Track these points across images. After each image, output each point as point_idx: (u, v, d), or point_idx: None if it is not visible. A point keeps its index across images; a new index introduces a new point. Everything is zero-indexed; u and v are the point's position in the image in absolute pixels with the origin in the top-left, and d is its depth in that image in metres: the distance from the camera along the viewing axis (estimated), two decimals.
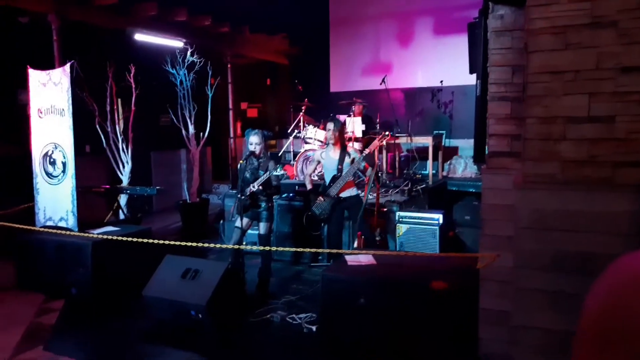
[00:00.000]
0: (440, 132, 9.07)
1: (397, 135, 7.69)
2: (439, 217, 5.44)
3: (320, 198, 5.07)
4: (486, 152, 3.18)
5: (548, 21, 2.25)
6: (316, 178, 7.06)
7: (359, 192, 5.20)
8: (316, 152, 5.51)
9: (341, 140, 5.16)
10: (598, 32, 2.17)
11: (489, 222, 2.92)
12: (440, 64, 9.48)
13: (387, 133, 5.33)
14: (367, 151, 5.02)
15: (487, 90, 3.08)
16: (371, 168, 4.99)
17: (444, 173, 8.27)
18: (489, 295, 2.89)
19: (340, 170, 5.01)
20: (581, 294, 0.79)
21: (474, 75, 3.62)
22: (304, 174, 7.26)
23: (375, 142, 5.18)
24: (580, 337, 0.73)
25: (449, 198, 7.30)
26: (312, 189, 5.25)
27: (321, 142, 7.39)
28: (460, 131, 9.18)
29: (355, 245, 5.32)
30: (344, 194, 5.04)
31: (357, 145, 6.98)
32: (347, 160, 5.04)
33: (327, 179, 5.16)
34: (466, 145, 8.74)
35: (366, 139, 7.49)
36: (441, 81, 9.34)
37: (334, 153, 5.12)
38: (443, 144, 8.67)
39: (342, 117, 8.38)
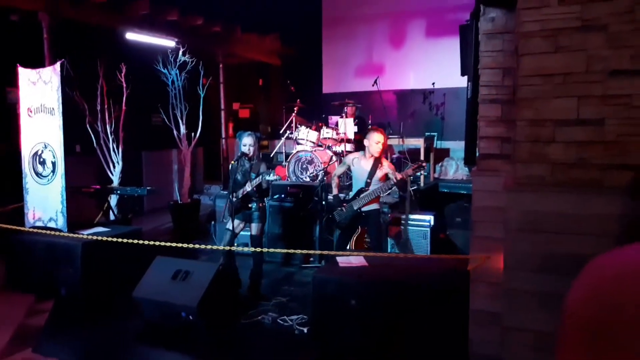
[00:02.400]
0: (432, 133, 9.11)
1: (388, 136, 7.70)
2: (430, 218, 5.46)
3: (343, 207, 4.84)
4: (477, 154, 3.19)
5: (538, 24, 2.26)
6: (309, 179, 7.06)
7: (380, 207, 4.93)
8: (349, 155, 5.15)
9: (381, 153, 4.85)
10: (588, 36, 2.19)
11: (480, 224, 2.93)
12: (432, 66, 9.52)
13: (423, 164, 4.83)
14: (399, 177, 4.66)
15: (478, 92, 3.10)
16: (401, 192, 4.78)
17: (436, 175, 8.31)
18: (480, 297, 2.91)
19: (368, 184, 4.72)
20: None
21: (466, 77, 3.63)
22: (295, 175, 7.26)
23: (409, 171, 4.79)
24: (565, 337, 0.74)
25: (440, 200, 7.32)
26: (336, 196, 4.98)
27: (313, 143, 7.39)
28: (451, 133, 9.22)
29: (348, 246, 5.32)
30: (365, 209, 4.78)
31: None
32: (379, 174, 4.73)
33: (354, 188, 4.89)
34: (458, 147, 8.79)
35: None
36: (433, 83, 9.38)
37: (366, 163, 4.77)
38: (435, 145, 8.70)
39: (334, 119, 8.41)
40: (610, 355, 0.67)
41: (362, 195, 4.74)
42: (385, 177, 4.77)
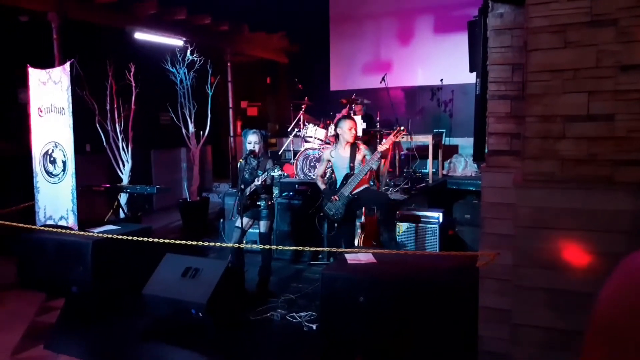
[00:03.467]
0: (440, 130, 9.07)
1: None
2: (439, 215, 5.45)
3: (334, 198, 4.91)
4: (486, 150, 3.18)
5: (547, 19, 2.25)
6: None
7: (372, 184, 5.13)
8: (325, 151, 5.32)
9: (355, 137, 5.03)
10: (597, 31, 2.17)
11: (489, 221, 2.92)
12: (440, 62, 9.48)
13: (402, 128, 5.04)
14: (381, 148, 4.81)
15: (486, 88, 3.08)
16: (383, 164, 4.95)
17: (444, 172, 8.27)
18: (489, 294, 2.90)
19: (352, 168, 4.86)
20: (581, 292, 0.79)
21: (474, 73, 3.61)
22: (303, 172, 7.27)
23: (391, 138, 4.94)
24: (591, 336, 0.73)
25: (449, 197, 7.30)
26: (325, 189, 5.11)
27: (321, 140, 7.39)
28: (460, 130, 9.18)
29: (356, 242, 5.32)
30: (357, 191, 4.89)
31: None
32: (359, 157, 4.88)
33: (339, 178, 5.01)
34: (466, 144, 8.75)
35: (369, 134, 7.50)
36: (441, 80, 9.34)
37: (344, 151, 4.94)
38: (443, 142, 8.67)
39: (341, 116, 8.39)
40: (632, 358, 0.67)
41: (350, 179, 4.86)
42: (364, 159, 4.92)
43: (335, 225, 5.29)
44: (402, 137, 5.36)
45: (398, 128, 5.02)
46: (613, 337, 0.69)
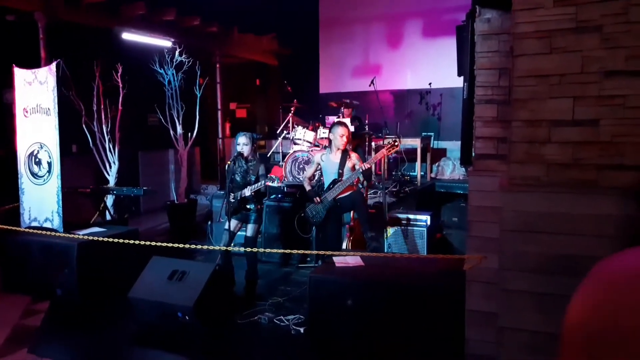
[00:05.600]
0: (428, 133, 9.12)
1: (385, 136, 7.71)
2: (426, 218, 5.47)
3: (317, 200, 4.97)
4: (473, 154, 3.20)
5: (533, 25, 2.27)
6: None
7: (361, 187, 5.12)
8: (316, 154, 5.38)
9: (346, 145, 5.07)
10: (583, 37, 2.20)
11: (476, 224, 2.94)
12: (429, 66, 9.53)
13: (396, 142, 5.05)
14: (367, 164, 4.89)
15: (474, 93, 3.10)
16: (367, 181, 4.98)
17: (432, 174, 8.32)
18: (476, 297, 2.91)
19: (341, 175, 4.90)
20: (567, 296, 0.79)
21: (462, 77, 3.64)
22: (292, 175, 7.26)
23: (383, 151, 5.00)
24: (566, 344, 0.73)
25: (437, 199, 7.33)
26: (310, 190, 5.16)
27: (310, 143, 7.38)
28: (448, 133, 9.23)
29: (344, 245, 5.32)
30: (340, 196, 4.94)
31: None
32: (349, 164, 4.93)
33: (327, 182, 5.05)
34: (454, 147, 8.80)
35: (360, 139, 7.52)
36: (430, 83, 9.39)
37: (335, 156, 4.98)
38: (431, 145, 8.71)
39: (331, 119, 8.41)
40: None
41: (337, 185, 4.90)
42: (354, 167, 4.98)
43: (313, 228, 5.33)
44: (394, 154, 5.34)
45: (392, 142, 5.02)
46: (590, 344, 0.69)
